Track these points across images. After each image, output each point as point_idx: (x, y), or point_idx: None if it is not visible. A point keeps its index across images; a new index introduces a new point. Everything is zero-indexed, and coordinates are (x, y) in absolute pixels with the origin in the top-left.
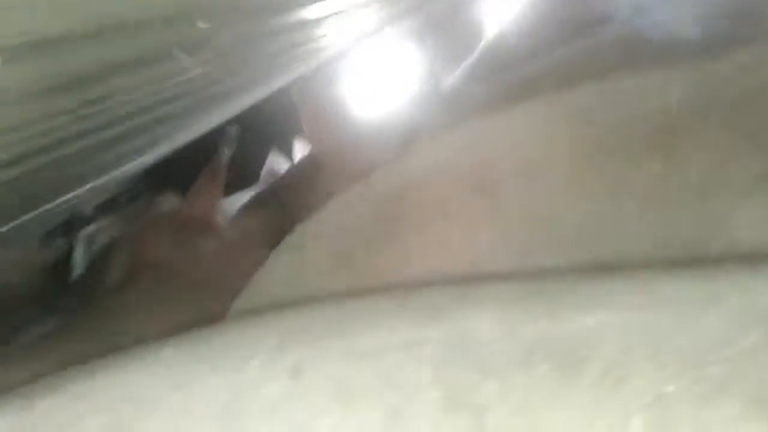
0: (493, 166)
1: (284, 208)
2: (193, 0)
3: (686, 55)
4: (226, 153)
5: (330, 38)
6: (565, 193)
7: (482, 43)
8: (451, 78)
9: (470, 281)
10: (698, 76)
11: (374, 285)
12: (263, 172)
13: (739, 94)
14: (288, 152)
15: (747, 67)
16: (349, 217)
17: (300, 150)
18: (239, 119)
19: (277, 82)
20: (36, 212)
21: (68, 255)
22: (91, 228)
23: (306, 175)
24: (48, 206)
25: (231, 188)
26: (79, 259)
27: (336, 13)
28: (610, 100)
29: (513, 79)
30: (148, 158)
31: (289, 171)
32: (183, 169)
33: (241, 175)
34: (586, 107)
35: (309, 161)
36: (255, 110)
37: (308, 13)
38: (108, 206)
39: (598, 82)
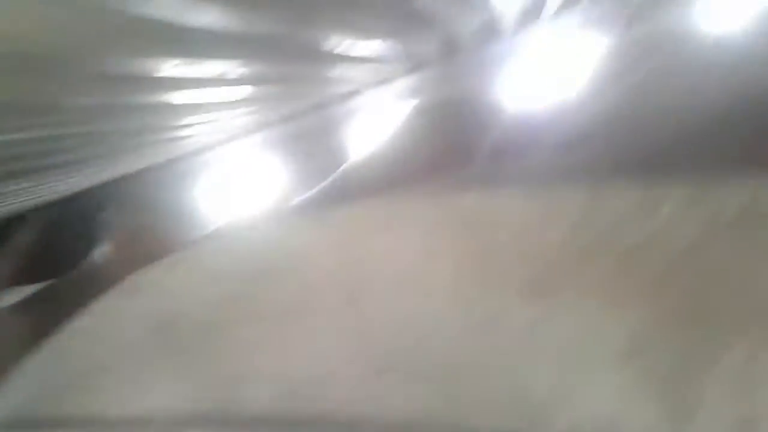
0: (364, 276)
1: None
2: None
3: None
4: (29, 237)
5: (191, 133)
6: (434, 310)
7: (347, 163)
8: (310, 193)
9: None
10: (587, 213)
11: None
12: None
13: (633, 240)
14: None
15: (644, 206)
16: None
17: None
18: (62, 203)
19: (122, 166)
20: None
21: None
22: None
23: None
24: None
25: (30, 276)
26: None
27: (202, 107)
28: (488, 224)
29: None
30: None
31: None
32: None
33: (48, 264)
34: (468, 222)
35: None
36: (81, 197)
37: (174, 97)
38: None
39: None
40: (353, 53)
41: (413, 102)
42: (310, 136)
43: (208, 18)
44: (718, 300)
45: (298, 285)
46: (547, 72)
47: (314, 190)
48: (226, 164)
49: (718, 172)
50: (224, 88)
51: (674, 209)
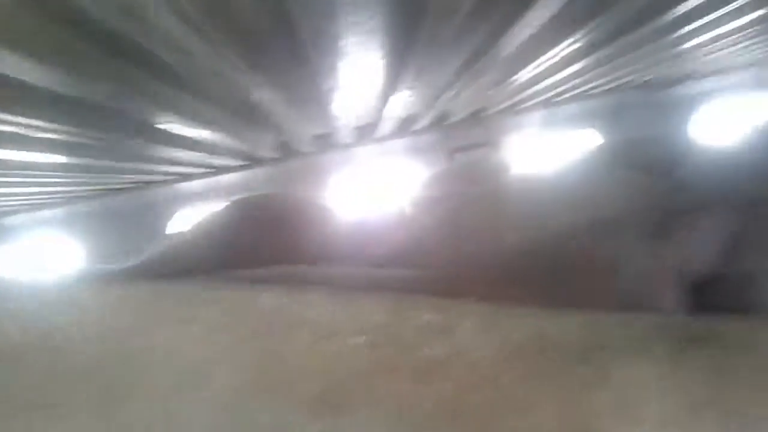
0: (134, 371)
1: None
2: None
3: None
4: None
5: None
6: (209, 420)
7: (153, 246)
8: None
9: None
10: (388, 326)
11: None
12: None
13: (431, 356)
14: None
15: (435, 328)
16: None
17: None
18: None
19: None
20: None
21: None
22: None
23: None
24: None
25: None
26: None
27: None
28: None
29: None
30: None
31: None
32: None
33: None
34: (262, 324)
35: None
36: None
37: None
38: None
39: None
40: (187, 137)
41: (238, 195)
42: (127, 213)
43: (48, 80)
44: (500, 424)
45: (51, 372)
46: (374, 186)
47: (111, 268)
48: (29, 231)
49: (510, 301)
50: (53, 154)
51: (470, 331)
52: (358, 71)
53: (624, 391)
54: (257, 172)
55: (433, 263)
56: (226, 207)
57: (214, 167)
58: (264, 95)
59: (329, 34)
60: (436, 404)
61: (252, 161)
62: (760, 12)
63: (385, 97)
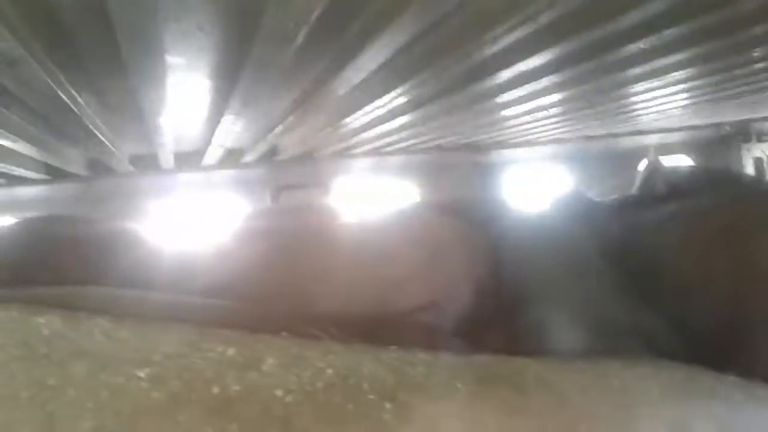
0: None
1: None
2: None
3: None
4: None
5: None
6: None
7: None
8: None
9: None
10: (186, 357)
11: None
12: None
13: (230, 390)
14: None
15: None
16: None
17: None
18: None
19: None
20: None
21: None
22: None
23: None
24: None
25: None
26: None
27: None
28: None
29: None
30: None
31: None
32: None
33: None
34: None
35: None
36: None
37: None
38: None
39: None
40: None
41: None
42: None
43: None
44: None
45: None
46: (194, 216)
47: None
48: None
49: (325, 338)
50: None
51: (273, 366)
52: (183, 90)
53: (425, 430)
54: (66, 188)
55: (248, 297)
56: (13, 224)
57: (12, 177)
58: (77, 105)
59: (153, 47)
60: None
61: (58, 175)
62: (559, 95)
63: (211, 123)
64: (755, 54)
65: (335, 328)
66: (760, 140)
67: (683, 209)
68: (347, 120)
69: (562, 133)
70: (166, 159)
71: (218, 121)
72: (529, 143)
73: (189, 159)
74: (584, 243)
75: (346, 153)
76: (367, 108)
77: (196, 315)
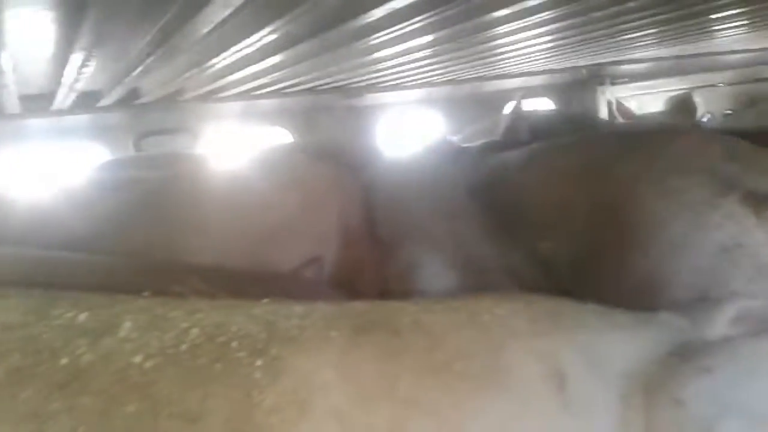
0: None
1: None
2: None
3: None
4: None
5: None
6: None
7: None
8: None
9: None
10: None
11: None
12: None
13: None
14: None
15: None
16: None
17: None
18: None
19: None
20: None
21: None
22: None
23: None
24: None
25: None
26: None
27: None
28: None
29: None
30: None
31: None
32: None
33: None
34: None
35: None
36: None
37: None
38: None
39: None
40: None
41: None
42: None
43: None
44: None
45: None
46: (47, 165)
47: None
48: None
49: (192, 294)
50: None
51: (131, 331)
52: (22, 24)
53: (298, 384)
54: None
55: (108, 252)
56: None
57: None
58: None
59: None
60: (75, 422)
61: None
62: (430, 36)
63: (59, 62)
64: None
65: (205, 284)
66: (613, 83)
67: (542, 151)
68: (214, 60)
69: (432, 76)
70: (11, 102)
71: (66, 60)
72: (401, 86)
73: (37, 102)
74: (453, 186)
75: (214, 96)
76: (235, 47)
77: (45, 273)
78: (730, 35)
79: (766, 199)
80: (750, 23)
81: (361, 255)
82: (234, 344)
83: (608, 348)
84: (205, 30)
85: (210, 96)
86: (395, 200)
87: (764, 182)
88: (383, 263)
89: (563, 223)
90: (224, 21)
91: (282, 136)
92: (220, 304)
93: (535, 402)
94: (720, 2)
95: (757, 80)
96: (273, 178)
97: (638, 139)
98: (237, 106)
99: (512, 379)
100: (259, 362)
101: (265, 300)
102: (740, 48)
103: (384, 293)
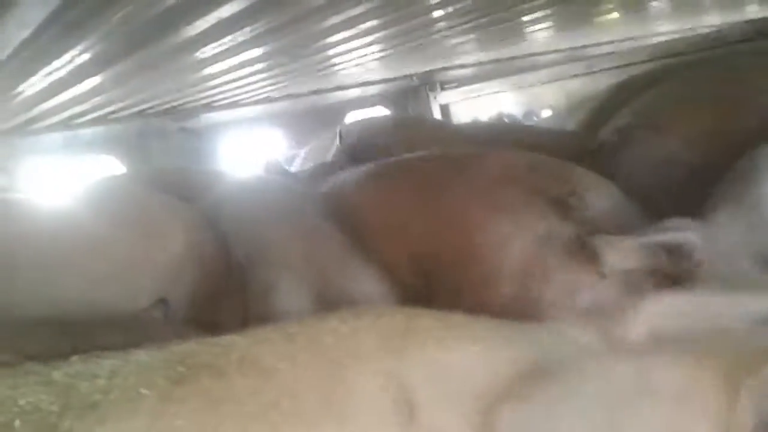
0: None
1: None
2: None
3: None
4: None
5: None
6: None
7: None
8: None
9: None
10: None
11: None
12: None
13: None
14: None
15: None
16: None
17: None
18: None
19: None
20: None
21: None
22: None
23: None
24: None
25: None
26: None
27: None
28: None
29: None
30: None
31: None
32: None
33: None
34: None
35: None
36: None
37: None
38: None
39: None
40: None
41: None
42: None
43: None
44: None
45: None
46: None
47: None
48: None
49: None
50: None
51: None
52: None
53: None
54: None
55: None
56: None
57: None
58: None
59: None
60: None
61: None
62: (261, 50)
63: None
64: (431, 3)
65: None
66: (443, 89)
67: (377, 172)
68: (21, 88)
69: (269, 92)
70: None
71: None
72: (237, 104)
73: None
74: (304, 205)
75: (27, 129)
76: (43, 71)
77: None
78: (542, 37)
79: (566, 203)
80: (556, 24)
81: (218, 284)
82: (17, 423)
83: (460, 364)
84: (5, 54)
85: (22, 128)
86: (246, 223)
87: (564, 188)
88: (242, 289)
89: (402, 236)
90: (25, 42)
91: (112, 167)
92: (11, 373)
93: (380, 426)
94: (529, 4)
95: (573, 76)
96: (104, 214)
97: (458, 159)
98: (56, 137)
99: (352, 410)
100: None
101: (74, 357)
102: (551, 49)
103: (246, 320)
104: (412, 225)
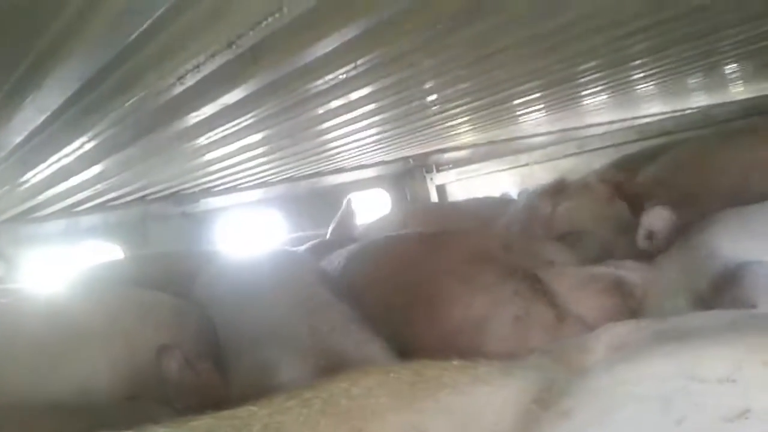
0: None
1: None
2: None
3: None
4: None
5: None
6: None
7: None
8: None
9: None
10: None
11: None
12: None
13: None
14: None
15: None
16: None
17: None
18: None
19: None
20: None
21: None
22: None
23: None
24: None
25: None
26: None
27: None
28: None
29: None
30: None
31: None
32: None
33: None
34: None
35: None
36: None
37: None
38: None
39: None
40: None
41: None
42: None
43: None
44: None
45: None
46: None
47: None
48: None
49: None
50: None
51: None
52: None
53: None
54: None
55: None
56: None
57: None
58: None
59: None
60: None
61: None
62: (262, 134)
63: None
64: (426, 87)
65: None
66: (439, 170)
67: (367, 249)
68: (26, 177)
69: (269, 175)
70: None
71: None
72: (236, 188)
73: None
74: (304, 279)
75: (29, 217)
76: (49, 160)
77: None
78: (534, 119)
79: (536, 277)
80: (546, 107)
81: (204, 371)
82: None
83: (475, 405)
84: (13, 143)
85: (25, 216)
86: (243, 300)
87: (533, 264)
88: (233, 369)
89: (393, 305)
90: (39, 128)
91: (111, 252)
92: None
93: None
94: (520, 89)
95: (565, 156)
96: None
97: (437, 238)
98: (58, 224)
99: None
100: None
101: None
102: (544, 131)
103: (238, 397)
104: (392, 298)
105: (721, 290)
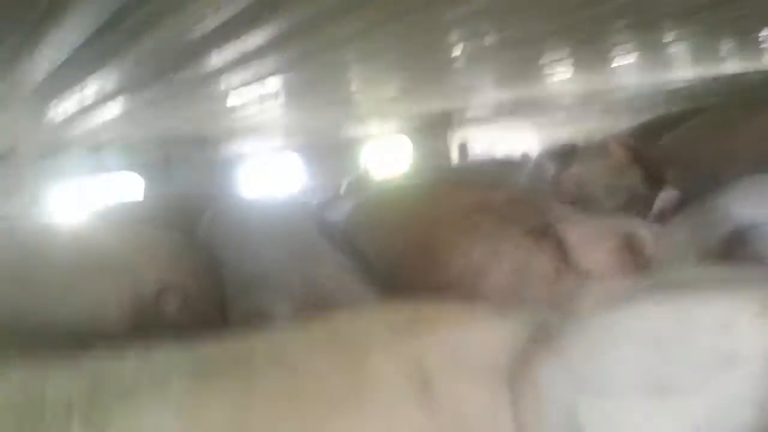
0: None
1: None
2: None
3: None
4: None
5: None
6: None
7: None
8: None
9: None
10: None
11: None
12: None
13: None
14: None
15: None
16: None
17: None
18: None
19: None
20: None
21: None
22: None
23: None
24: None
25: None
26: None
27: None
28: None
29: None
30: None
31: None
32: None
33: None
34: None
35: None
36: None
37: None
38: None
39: None
40: None
41: None
42: None
43: None
44: None
45: None
46: None
47: None
48: None
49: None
50: None
51: None
52: None
53: None
54: None
55: None
56: None
57: None
58: None
59: None
60: None
61: None
62: (283, 80)
63: None
64: (451, 40)
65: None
66: (461, 126)
67: (371, 203)
68: (50, 113)
69: (289, 123)
70: None
71: None
72: (258, 133)
73: None
74: (305, 229)
75: (56, 151)
76: (70, 96)
77: None
78: (560, 78)
79: (542, 232)
80: (574, 66)
81: (204, 306)
82: (54, 406)
83: (473, 342)
84: (36, 80)
85: (51, 151)
86: (240, 247)
87: (538, 219)
88: (236, 305)
89: (389, 257)
90: (62, 66)
91: (135, 188)
92: (40, 364)
93: (401, 404)
94: (548, 43)
95: (590, 117)
96: (91, 248)
97: (440, 188)
98: (83, 161)
99: (375, 388)
100: (76, 425)
101: (100, 351)
102: (569, 90)
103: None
104: (393, 248)
105: (732, 248)
